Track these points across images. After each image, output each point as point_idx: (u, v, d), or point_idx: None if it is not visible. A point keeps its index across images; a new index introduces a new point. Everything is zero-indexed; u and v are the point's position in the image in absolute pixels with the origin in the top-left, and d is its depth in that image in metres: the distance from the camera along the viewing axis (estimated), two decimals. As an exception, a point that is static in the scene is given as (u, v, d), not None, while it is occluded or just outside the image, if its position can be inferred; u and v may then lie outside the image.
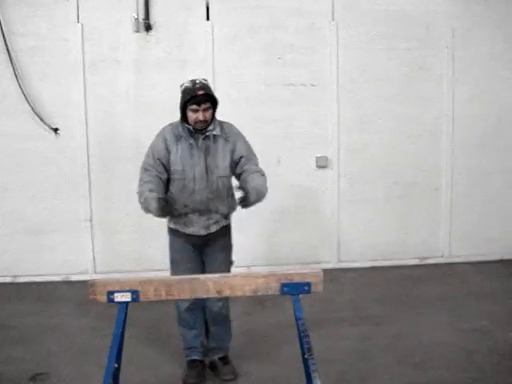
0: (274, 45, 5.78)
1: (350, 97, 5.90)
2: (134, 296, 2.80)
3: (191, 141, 3.61)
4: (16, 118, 5.60)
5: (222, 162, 3.64)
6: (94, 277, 5.73)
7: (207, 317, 3.85)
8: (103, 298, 2.82)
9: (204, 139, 3.61)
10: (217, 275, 2.93)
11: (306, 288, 2.91)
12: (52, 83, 5.60)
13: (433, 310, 4.88)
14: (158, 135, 3.72)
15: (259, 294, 2.86)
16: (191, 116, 3.56)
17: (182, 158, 3.59)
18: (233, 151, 3.66)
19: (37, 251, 5.74)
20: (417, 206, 6.10)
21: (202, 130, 3.59)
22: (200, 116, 3.53)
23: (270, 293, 2.87)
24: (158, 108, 5.58)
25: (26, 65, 5.55)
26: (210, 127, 3.61)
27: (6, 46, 5.47)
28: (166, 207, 3.42)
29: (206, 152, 3.61)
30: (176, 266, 3.71)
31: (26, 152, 5.64)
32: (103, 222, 5.77)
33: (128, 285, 2.82)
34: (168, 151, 3.61)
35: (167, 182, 3.66)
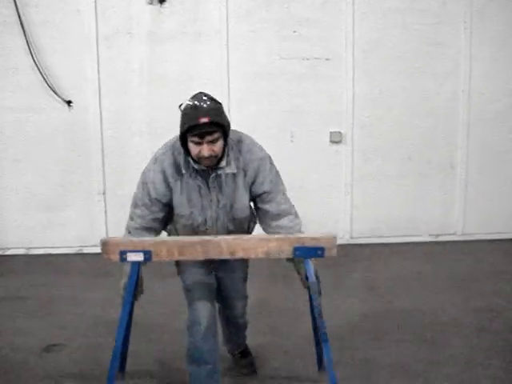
0: (288, 18, 5.71)
1: (365, 72, 5.84)
2: (147, 256, 2.70)
3: (199, 181, 2.80)
4: (29, 91, 5.60)
5: (241, 201, 2.88)
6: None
7: (226, 323, 3.40)
8: (116, 257, 2.77)
9: (215, 177, 2.80)
10: (230, 237, 2.75)
11: (319, 252, 2.76)
12: (65, 56, 5.59)
13: (446, 287, 4.86)
14: (154, 164, 2.83)
15: (271, 256, 2.74)
16: (193, 150, 2.68)
17: (188, 200, 2.82)
18: (252, 184, 2.86)
19: (50, 224, 5.79)
20: (431, 183, 6.06)
21: (211, 166, 2.76)
22: (205, 151, 2.64)
23: (282, 256, 2.75)
24: (172, 81, 5.57)
25: (38, 37, 5.54)
26: (222, 163, 2.76)
27: (19, 18, 5.45)
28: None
29: (219, 193, 2.83)
30: (187, 285, 3.02)
31: (39, 125, 5.65)
32: (116, 195, 5.78)
33: (141, 245, 2.73)
34: (169, 189, 2.82)
35: (169, 215, 2.97)
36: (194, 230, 2.91)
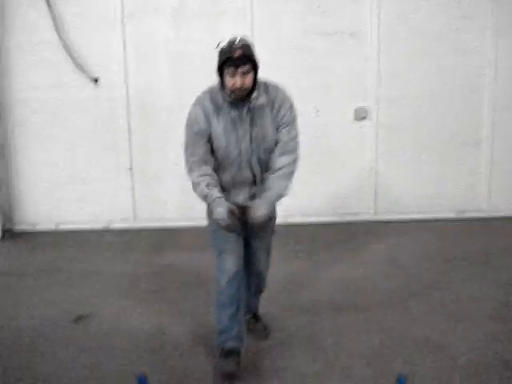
0: (313, -7, 5.68)
1: (390, 47, 5.79)
2: None
3: (234, 113, 3.16)
4: (55, 68, 5.68)
5: (270, 133, 3.21)
6: (134, 225, 5.87)
7: (248, 280, 3.52)
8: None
9: (248, 110, 3.16)
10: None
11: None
12: (91, 33, 5.65)
13: (469, 262, 4.86)
14: (195, 104, 3.22)
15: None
16: (228, 82, 3.07)
17: (225, 132, 3.16)
18: (275, 118, 3.21)
19: (78, 199, 5.89)
20: (456, 159, 6.02)
21: (243, 99, 3.13)
22: (238, 82, 3.04)
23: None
24: (197, 58, 5.59)
25: (64, 14, 5.60)
26: (254, 95, 3.14)
27: (46, -5, 5.51)
28: (235, 220, 3.11)
29: (252, 124, 3.17)
30: (216, 234, 3.31)
31: (66, 102, 5.73)
32: (143, 171, 5.86)
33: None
34: (209, 123, 3.16)
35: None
36: (231, 166, 3.23)
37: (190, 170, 3.21)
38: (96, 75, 5.68)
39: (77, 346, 3.61)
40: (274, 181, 3.21)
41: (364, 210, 6.03)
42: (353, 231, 5.73)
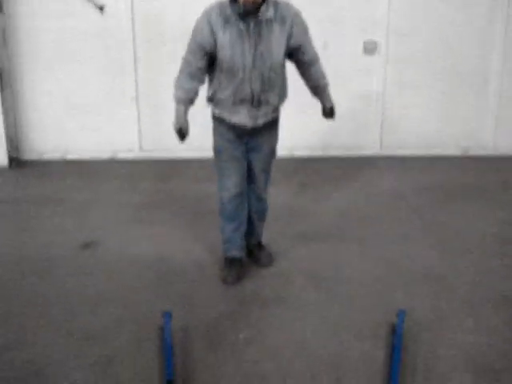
0: None
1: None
2: None
3: (241, 26, 3.16)
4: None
5: (277, 49, 3.24)
6: (141, 155, 5.90)
7: (250, 202, 3.67)
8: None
9: (256, 24, 3.16)
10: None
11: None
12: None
13: (472, 199, 4.90)
14: (202, 15, 3.24)
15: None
16: None
17: (230, 43, 3.18)
18: (289, 37, 3.25)
19: (84, 129, 5.89)
20: (464, 96, 5.97)
21: (252, 12, 3.13)
22: None
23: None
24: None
25: None
26: (262, 9, 3.14)
27: None
28: (183, 135, 3.40)
29: (258, 39, 3.18)
30: (220, 154, 3.49)
31: (72, 31, 5.65)
32: (149, 101, 5.84)
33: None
34: (214, 35, 3.18)
35: (211, 67, 3.33)
36: (235, 79, 3.25)
37: (175, 84, 3.35)
38: (102, 3, 5.58)
39: (84, 272, 3.70)
40: (314, 70, 3.47)
41: (370, 145, 6.02)
42: (358, 165, 5.74)
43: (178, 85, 3.34)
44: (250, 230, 3.71)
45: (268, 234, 3.89)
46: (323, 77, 3.52)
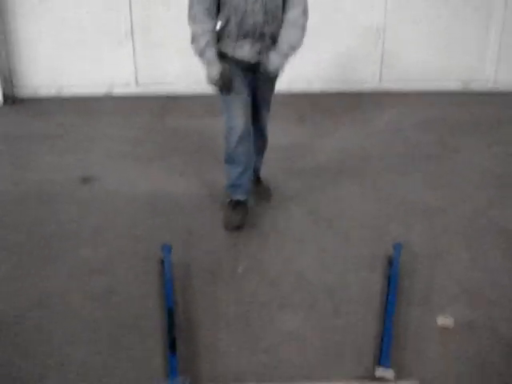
0: None
1: None
2: None
3: None
4: None
5: None
6: (137, 90, 5.81)
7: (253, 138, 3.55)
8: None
9: None
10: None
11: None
12: None
13: (470, 133, 4.87)
14: None
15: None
16: None
17: None
18: None
19: (79, 65, 5.77)
20: (466, 29, 5.84)
21: None
22: None
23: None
24: None
25: None
26: None
27: None
28: (227, 81, 3.20)
29: None
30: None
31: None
32: (145, 37, 5.72)
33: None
34: None
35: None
36: (238, 11, 3.16)
37: (193, 20, 3.18)
38: None
39: (83, 207, 3.71)
40: (285, 32, 3.25)
41: (369, 79, 5.93)
42: (357, 100, 5.67)
43: (197, 34, 3.18)
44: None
45: (266, 169, 3.89)
46: (288, 43, 3.27)
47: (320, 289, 2.93)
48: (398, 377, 2.32)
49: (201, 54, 3.19)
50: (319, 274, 3.04)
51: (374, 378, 2.33)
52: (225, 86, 3.21)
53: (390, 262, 3.03)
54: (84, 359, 2.50)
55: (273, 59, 3.25)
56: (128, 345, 2.58)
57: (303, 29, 3.27)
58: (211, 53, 3.18)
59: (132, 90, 5.81)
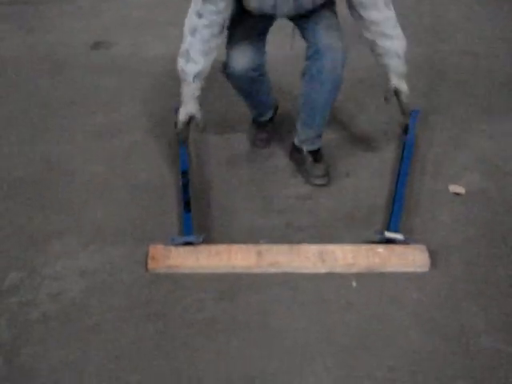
0: None
1: None
2: None
3: None
4: None
5: None
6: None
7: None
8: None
9: None
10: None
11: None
12: None
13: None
14: None
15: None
16: None
17: None
18: None
19: None
20: None
21: None
22: None
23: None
24: None
25: None
26: None
27: None
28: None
29: None
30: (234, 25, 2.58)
31: None
32: None
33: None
34: None
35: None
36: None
37: (185, 59, 2.49)
38: None
39: (97, 72, 3.66)
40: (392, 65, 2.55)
41: None
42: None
43: (184, 76, 2.55)
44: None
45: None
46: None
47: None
48: (407, 241, 2.36)
49: (181, 88, 2.56)
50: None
51: (382, 242, 2.38)
52: (184, 136, 2.63)
53: (406, 130, 3.00)
54: (100, 219, 2.57)
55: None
56: (143, 205, 2.64)
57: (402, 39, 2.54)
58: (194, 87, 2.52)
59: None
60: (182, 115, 2.53)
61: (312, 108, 2.61)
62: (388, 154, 2.90)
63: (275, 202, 2.67)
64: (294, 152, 2.86)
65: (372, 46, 2.51)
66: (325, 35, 2.43)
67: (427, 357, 2.01)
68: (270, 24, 2.62)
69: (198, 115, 2.54)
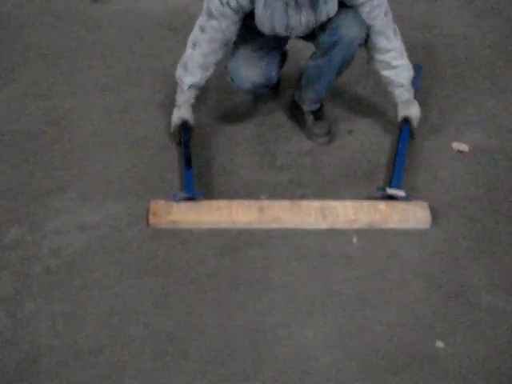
0: None
1: None
2: None
3: None
4: None
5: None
6: None
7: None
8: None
9: None
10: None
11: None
12: None
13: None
14: None
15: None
16: None
17: (271, 18, 2.36)
18: None
19: None
20: None
21: None
22: None
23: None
24: None
25: None
26: None
27: None
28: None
29: (312, 8, 2.34)
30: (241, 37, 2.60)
31: None
32: None
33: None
34: (252, 2, 2.34)
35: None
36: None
37: (184, 68, 2.56)
38: None
39: (95, 27, 3.55)
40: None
41: None
42: None
43: (181, 82, 2.62)
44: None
45: None
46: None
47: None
48: (409, 198, 2.36)
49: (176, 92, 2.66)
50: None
51: (384, 198, 2.38)
52: (175, 138, 2.68)
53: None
54: (100, 174, 2.56)
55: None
56: (144, 161, 2.63)
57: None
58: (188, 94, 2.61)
59: None
60: (175, 118, 2.63)
61: (318, 75, 2.58)
62: (392, 114, 2.87)
63: (277, 157, 2.65)
64: (293, 108, 2.82)
65: (377, 74, 2.62)
66: (343, 17, 2.41)
67: (427, 313, 2.03)
68: (286, 42, 2.70)
69: (191, 121, 2.63)
